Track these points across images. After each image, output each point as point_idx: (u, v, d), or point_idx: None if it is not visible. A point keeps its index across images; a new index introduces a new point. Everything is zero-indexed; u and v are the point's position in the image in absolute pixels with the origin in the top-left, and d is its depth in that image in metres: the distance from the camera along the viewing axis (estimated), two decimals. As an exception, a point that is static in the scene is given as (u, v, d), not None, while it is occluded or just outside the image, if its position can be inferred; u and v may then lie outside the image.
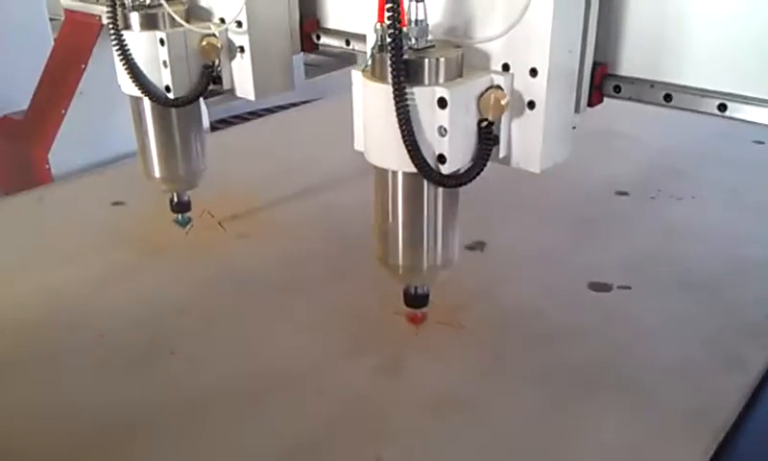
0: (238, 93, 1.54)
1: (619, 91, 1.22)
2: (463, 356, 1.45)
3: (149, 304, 1.62)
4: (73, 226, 1.96)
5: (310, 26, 1.56)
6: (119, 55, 1.48)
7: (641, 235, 1.91)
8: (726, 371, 1.40)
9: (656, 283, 1.68)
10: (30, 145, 2.54)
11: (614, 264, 1.74)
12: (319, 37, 1.56)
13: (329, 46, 1.56)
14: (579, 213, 2.01)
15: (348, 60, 1.61)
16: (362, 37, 1.38)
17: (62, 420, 1.32)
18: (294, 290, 1.66)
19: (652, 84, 1.18)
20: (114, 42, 1.48)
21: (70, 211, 2.06)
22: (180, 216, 1.79)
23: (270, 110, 3.04)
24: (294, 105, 3.04)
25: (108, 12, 1.46)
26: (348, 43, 1.53)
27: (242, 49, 1.49)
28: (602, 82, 1.22)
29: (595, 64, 1.21)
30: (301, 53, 1.60)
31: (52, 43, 3.03)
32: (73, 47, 2.48)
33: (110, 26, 1.46)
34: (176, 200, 1.76)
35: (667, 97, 1.17)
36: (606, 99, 1.24)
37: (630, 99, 1.21)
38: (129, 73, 1.49)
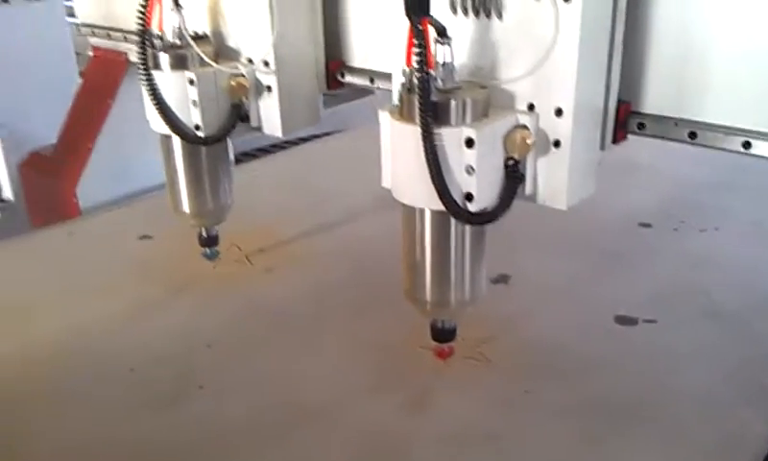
0: (265, 131, 1.57)
1: (644, 129, 1.23)
2: (489, 390, 1.45)
3: (177, 338, 1.64)
4: (102, 260, 1.99)
5: (335, 65, 1.59)
6: (149, 94, 1.52)
7: (665, 267, 1.91)
8: (752, 403, 1.40)
9: (681, 316, 1.68)
10: (58, 179, 2.59)
11: (639, 297, 1.74)
12: (344, 76, 1.59)
13: (354, 84, 1.59)
14: (602, 245, 2.02)
15: (364, 90, 1.64)
16: (386, 76, 1.41)
17: (93, 453, 1.33)
18: (320, 323, 1.68)
19: (676, 121, 1.19)
20: (145, 82, 1.51)
21: (99, 245, 2.10)
22: (207, 250, 1.81)
23: (292, 142, 3.08)
24: (316, 136, 3.07)
25: (138, 52, 1.50)
26: (372, 81, 1.55)
27: (269, 88, 1.52)
28: (626, 119, 1.23)
29: (620, 102, 1.22)
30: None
31: (78, 80, 3.11)
32: (100, 83, 2.54)
33: (141, 66, 1.50)
34: (204, 234, 1.78)
35: (692, 135, 1.18)
36: (629, 133, 1.25)
37: (654, 136, 1.22)
38: (159, 112, 1.52)
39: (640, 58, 1.20)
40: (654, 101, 1.21)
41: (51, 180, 2.64)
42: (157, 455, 1.33)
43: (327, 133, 3.11)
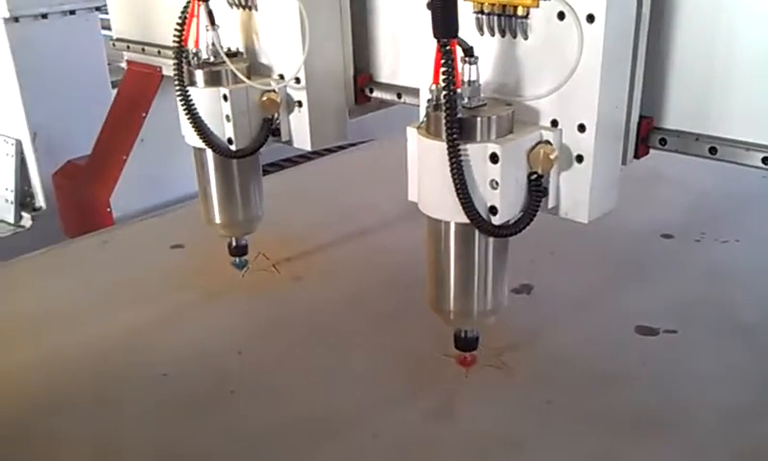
0: (295, 144, 1.62)
1: (665, 144, 1.26)
2: (511, 399, 1.48)
3: (209, 345, 1.69)
4: (135, 268, 2.05)
5: (363, 80, 1.64)
6: (185, 109, 1.57)
7: (687, 279, 1.92)
8: (775, 416, 1.42)
9: (702, 327, 1.69)
10: (92, 189, 2.67)
11: (661, 308, 1.76)
12: (372, 91, 1.64)
13: (381, 99, 1.64)
14: (624, 256, 2.04)
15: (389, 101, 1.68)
16: (413, 91, 1.45)
17: (126, 457, 1.39)
18: (346, 332, 1.72)
19: (697, 137, 1.22)
20: (180, 98, 1.57)
21: (132, 254, 2.16)
22: (237, 259, 1.86)
23: (318, 153, 3.13)
24: (341, 147, 3.12)
25: (174, 69, 1.56)
26: (399, 96, 1.60)
27: (300, 103, 1.57)
28: (648, 135, 1.26)
29: (641, 118, 1.26)
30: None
31: (111, 91, 3.19)
32: (135, 96, 2.61)
33: (177, 83, 1.56)
34: (234, 244, 1.84)
35: (712, 150, 1.21)
36: (650, 145, 1.28)
37: (676, 151, 1.25)
38: (193, 126, 1.58)
39: (662, 74, 1.23)
40: (675, 116, 1.24)
41: (85, 189, 2.71)
42: (189, 459, 1.38)
43: (353, 144, 3.16)
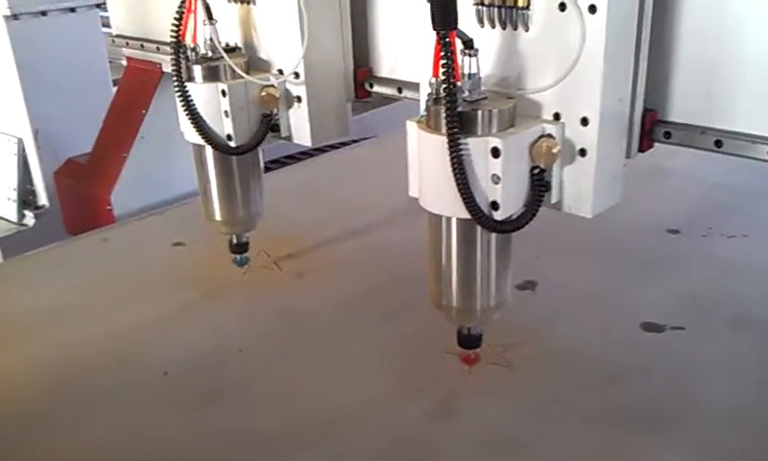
0: (295, 140, 1.60)
1: (669, 137, 1.23)
2: (515, 397, 1.47)
3: (210, 343, 1.68)
4: (135, 266, 2.04)
5: (363, 74, 1.62)
6: (183, 105, 1.55)
7: (693, 274, 1.90)
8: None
9: (709, 323, 1.68)
10: (93, 187, 2.65)
11: (667, 304, 1.74)
12: (372, 86, 1.62)
13: (382, 94, 1.62)
14: (629, 252, 2.02)
15: (391, 97, 1.66)
16: (413, 85, 1.43)
17: (126, 455, 1.38)
18: (348, 329, 1.71)
19: (702, 130, 1.20)
20: (178, 94, 1.55)
21: (133, 252, 2.15)
22: (238, 257, 1.85)
23: (321, 150, 3.11)
24: (343, 144, 3.10)
25: (172, 64, 1.54)
26: (399, 91, 1.58)
27: (299, 99, 1.55)
28: (652, 128, 1.24)
29: (645, 111, 1.23)
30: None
31: (112, 89, 3.18)
32: (134, 93, 2.59)
33: (175, 78, 1.54)
34: (235, 241, 1.82)
35: (718, 143, 1.18)
36: (655, 138, 1.26)
37: (680, 145, 1.23)
38: (192, 122, 1.56)
39: (666, 66, 1.21)
40: (680, 109, 1.22)
41: (86, 187, 2.70)
42: (191, 457, 1.37)
43: (355, 141, 3.14)
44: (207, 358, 1.63)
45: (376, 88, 1.61)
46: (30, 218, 3.36)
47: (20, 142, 3.31)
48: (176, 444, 1.39)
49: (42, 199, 3.37)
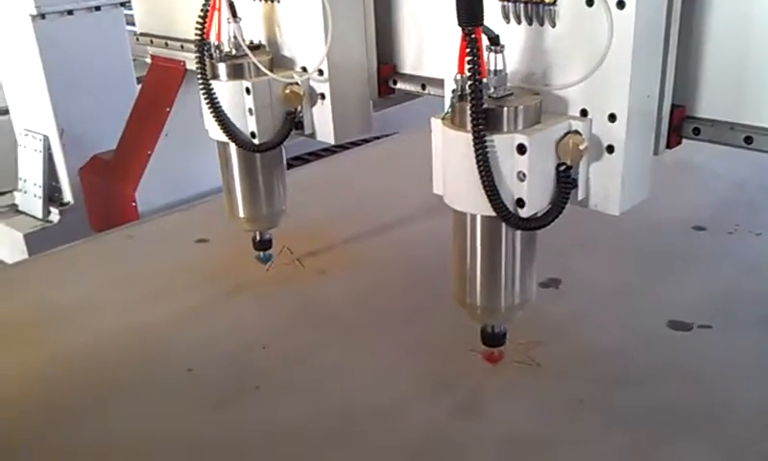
0: (319, 137, 1.61)
1: (698, 133, 1.22)
2: (540, 396, 1.46)
3: (234, 339, 1.69)
4: (160, 262, 2.06)
5: (387, 71, 1.61)
6: (207, 103, 1.56)
7: (720, 272, 1.87)
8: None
9: (737, 322, 1.65)
10: (118, 184, 2.68)
11: (694, 302, 1.72)
12: (395, 82, 1.61)
13: (405, 91, 1.61)
14: (655, 249, 1.99)
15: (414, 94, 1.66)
16: (438, 82, 1.43)
17: (151, 449, 1.38)
18: (371, 326, 1.71)
19: (732, 126, 1.18)
20: (203, 91, 1.56)
21: (157, 248, 2.16)
22: (262, 253, 1.86)
23: (342, 147, 3.11)
24: (365, 140, 3.11)
25: (197, 62, 1.55)
26: (423, 87, 1.57)
27: (323, 96, 1.55)
28: (681, 124, 1.23)
29: (674, 107, 1.22)
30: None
31: (136, 86, 3.21)
32: (159, 91, 2.62)
33: (200, 76, 1.55)
34: (258, 238, 1.83)
35: (748, 139, 1.17)
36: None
37: (710, 141, 1.21)
38: (216, 120, 1.57)
39: (695, 61, 1.19)
40: (709, 105, 1.20)
41: (111, 184, 2.73)
42: (214, 453, 1.37)
43: (377, 137, 3.14)
44: (231, 355, 1.63)
45: (400, 85, 1.61)
46: (55, 215, 3.41)
47: (46, 139, 3.36)
48: (199, 440, 1.40)
49: (67, 196, 3.42)
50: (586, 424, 1.38)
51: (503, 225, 1.21)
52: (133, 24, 2.32)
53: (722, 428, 1.35)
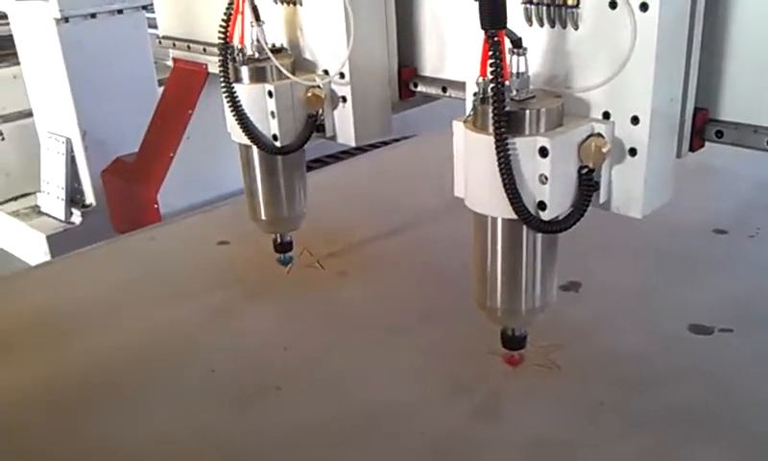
0: (339, 140, 1.62)
1: (721, 136, 1.21)
2: (561, 399, 1.45)
3: (255, 341, 1.70)
4: (182, 264, 2.08)
5: (408, 74, 1.62)
6: (230, 106, 1.57)
7: (741, 275, 1.86)
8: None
9: (758, 326, 1.64)
10: (140, 186, 2.71)
11: (715, 306, 1.71)
12: (416, 85, 1.62)
13: (426, 93, 1.62)
14: (675, 252, 1.98)
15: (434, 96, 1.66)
16: (459, 85, 1.43)
17: (174, 449, 1.40)
18: (391, 328, 1.71)
19: (755, 129, 1.18)
20: (225, 94, 1.57)
21: (179, 250, 2.18)
22: (282, 256, 1.87)
23: (361, 149, 3.12)
24: (384, 143, 3.11)
25: (220, 66, 1.56)
26: (444, 90, 1.57)
27: (344, 99, 1.56)
28: (703, 127, 1.22)
29: (696, 109, 1.22)
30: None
31: (158, 89, 3.24)
32: (181, 94, 2.64)
33: (222, 80, 1.56)
34: (279, 240, 1.84)
35: (771, 142, 1.16)
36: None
37: (733, 144, 1.21)
38: (239, 123, 1.58)
39: (718, 64, 1.19)
40: (732, 108, 1.20)
41: (133, 186, 2.75)
42: (236, 453, 1.38)
43: (396, 139, 3.15)
44: (253, 356, 1.65)
45: (421, 88, 1.61)
46: (77, 216, 3.44)
47: (68, 142, 3.39)
48: (221, 440, 1.41)
49: (89, 198, 3.46)
50: (606, 426, 1.38)
51: (524, 228, 1.21)
52: (156, 27, 2.35)
53: (742, 431, 1.34)
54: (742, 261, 1.93)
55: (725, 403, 1.41)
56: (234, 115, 1.58)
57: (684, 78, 1.17)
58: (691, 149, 1.23)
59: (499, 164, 1.12)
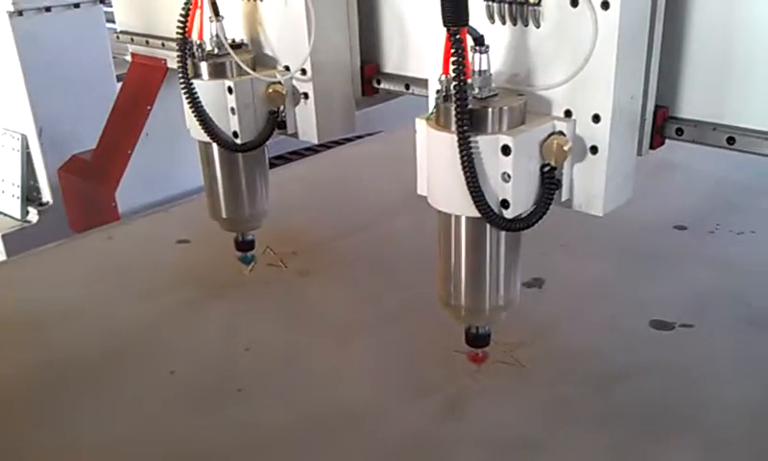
0: (301, 137, 1.59)
1: (681, 134, 1.22)
2: (524, 396, 1.46)
3: (216, 341, 1.67)
4: (141, 264, 2.04)
5: (370, 71, 1.60)
6: (189, 102, 1.54)
7: (702, 271, 1.89)
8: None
9: (718, 321, 1.66)
10: (97, 184, 2.65)
11: (675, 301, 1.73)
12: (379, 82, 1.60)
13: (389, 90, 1.60)
14: (637, 249, 2.00)
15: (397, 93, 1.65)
16: (421, 82, 1.42)
17: (133, 453, 1.37)
18: (354, 327, 1.70)
19: (714, 126, 1.19)
20: (184, 91, 1.53)
21: (137, 249, 2.14)
22: (244, 255, 1.83)
23: (325, 146, 3.10)
24: (348, 139, 3.09)
25: (178, 61, 1.53)
26: (407, 87, 1.56)
27: (306, 95, 1.54)
28: (664, 125, 1.23)
29: (657, 107, 1.22)
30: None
31: (116, 85, 3.17)
32: (139, 89, 2.58)
33: (181, 76, 1.53)
34: (240, 239, 1.81)
35: (730, 140, 1.17)
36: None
37: (692, 141, 1.22)
38: (198, 120, 1.55)
39: (678, 62, 1.20)
40: (692, 106, 1.21)
41: (90, 184, 2.69)
42: (195, 456, 1.36)
43: (360, 136, 3.13)
44: (214, 357, 1.62)
45: (384, 85, 1.60)
46: (33, 215, 3.36)
47: (24, 138, 3.31)
48: (182, 443, 1.38)
49: (46, 196, 3.37)
50: (570, 423, 1.38)
51: (487, 226, 1.20)
52: (113, 22, 2.29)
53: (705, 426, 1.36)
54: (702, 257, 1.96)
55: (687, 398, 1.43)
56: (193, 112, 1.54)
57: (645, 76, 1.17)
58: (652, 147, 1.24)
59: (462, 163, 1.11)
